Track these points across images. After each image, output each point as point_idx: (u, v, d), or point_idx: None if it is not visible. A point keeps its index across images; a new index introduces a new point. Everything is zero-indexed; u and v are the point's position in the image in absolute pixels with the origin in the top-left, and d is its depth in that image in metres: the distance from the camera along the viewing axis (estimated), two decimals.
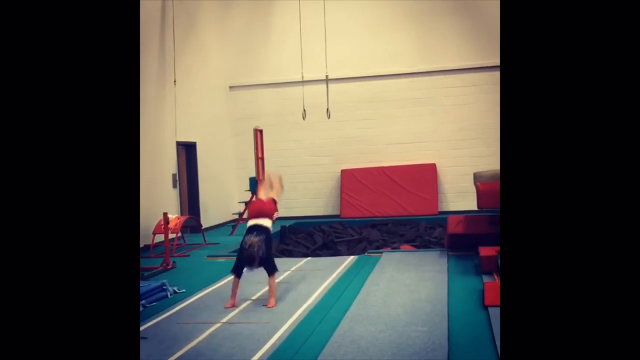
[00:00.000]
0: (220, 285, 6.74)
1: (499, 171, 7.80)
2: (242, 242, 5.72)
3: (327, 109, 11.29)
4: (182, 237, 10.26)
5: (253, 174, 11.72)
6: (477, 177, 7.75)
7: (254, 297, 6.04)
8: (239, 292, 5.75)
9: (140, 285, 5.88)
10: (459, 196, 13.17)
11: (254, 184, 11.50)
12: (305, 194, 13.94)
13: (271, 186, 6.55)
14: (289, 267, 7.69)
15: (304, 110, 11.34)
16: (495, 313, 4.81)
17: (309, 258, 8.75)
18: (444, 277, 6.57)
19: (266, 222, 5.87)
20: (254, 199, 6.91)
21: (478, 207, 7.55)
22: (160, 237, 9.02)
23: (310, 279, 6.87)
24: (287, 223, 12.36)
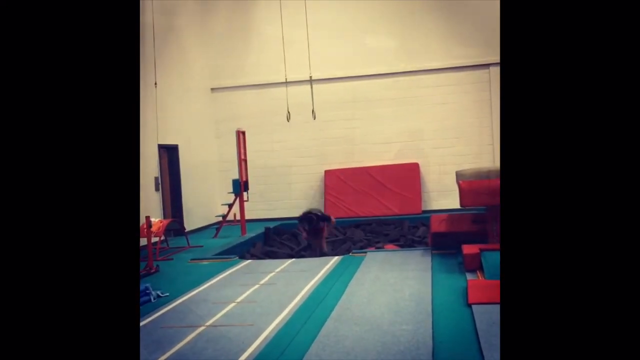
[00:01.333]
0: (204, 288, 6.69)
1: (480, 169, 7.86)
2: None
3: (313, 110, 11.29)
4: (166, 240, 10.18)
5: (236, 176, 11.67)
6: (459, 176, 7.79)
7: (238, 300, 6.00)
8: None
9: None
10: (442, 195, 13.24)
11: (237, 186, 11.45)
12: (290, 195, 13.92)
13: None
14: (273, 269, 7.66)
15: (288, 112, 11.31)
16: (479, 310, 4.84)
17: (294, 259, 8.73)
18: (427, 276, 6.59)
19: None
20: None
21: (461, 205, 7.60)
22: (143, 241, 8.94)
23: (294, 280, 6.85)
24: (271, 224, 12.33)
